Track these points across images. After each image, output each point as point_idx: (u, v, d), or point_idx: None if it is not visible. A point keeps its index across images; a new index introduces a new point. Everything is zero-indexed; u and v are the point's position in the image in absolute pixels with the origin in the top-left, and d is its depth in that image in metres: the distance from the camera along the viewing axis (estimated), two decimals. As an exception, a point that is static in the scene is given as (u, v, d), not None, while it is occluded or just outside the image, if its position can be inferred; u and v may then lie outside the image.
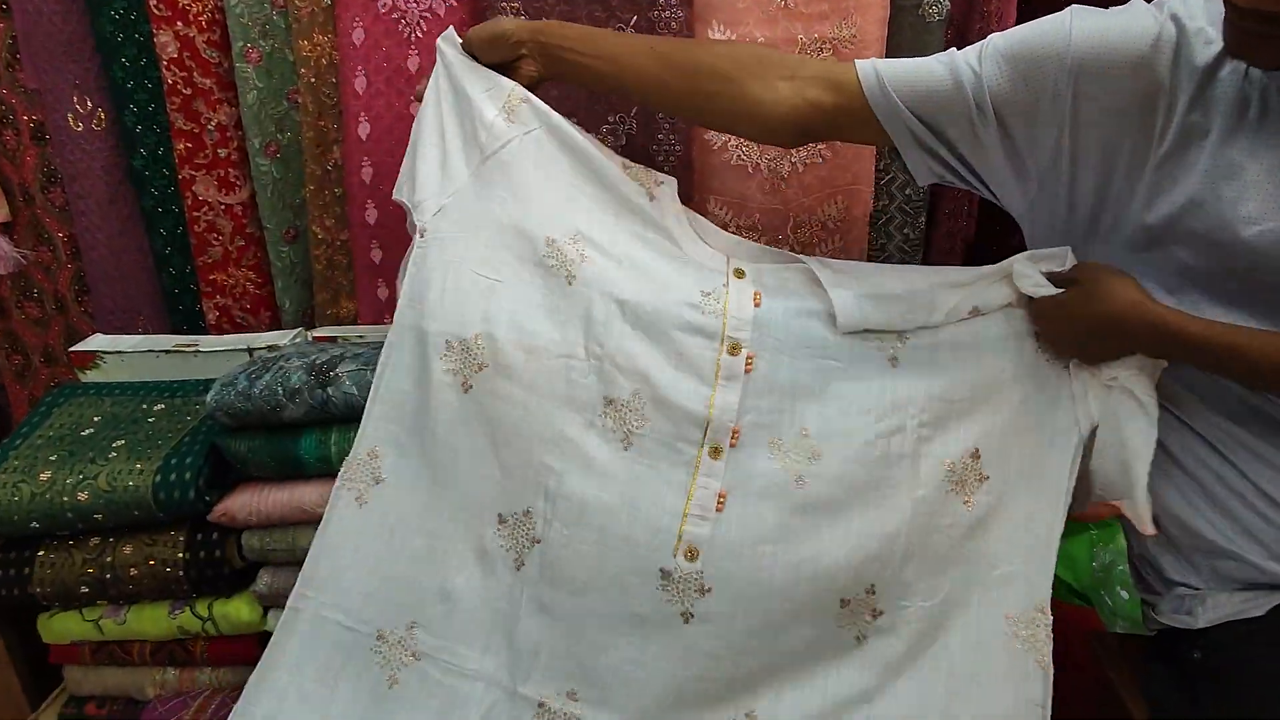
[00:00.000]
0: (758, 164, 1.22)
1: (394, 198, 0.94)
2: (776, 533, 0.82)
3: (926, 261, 1.28)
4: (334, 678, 0.84)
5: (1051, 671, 0.84)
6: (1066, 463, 0.85)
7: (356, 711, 0.84)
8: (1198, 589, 0.84)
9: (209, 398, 0.97)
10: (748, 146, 1.22)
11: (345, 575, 0.86)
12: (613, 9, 1.17)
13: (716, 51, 0.92)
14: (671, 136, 1.20)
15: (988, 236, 1.27)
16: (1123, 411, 0.83)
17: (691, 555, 0.82)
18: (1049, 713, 0.83)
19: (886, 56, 1.14)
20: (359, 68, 1.14)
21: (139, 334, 1.32)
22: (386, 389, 0.88)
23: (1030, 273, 0.84)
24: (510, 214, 0.90)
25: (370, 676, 0.84)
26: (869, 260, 1.25)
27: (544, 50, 0.91)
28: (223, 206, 1.24)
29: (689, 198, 1.23)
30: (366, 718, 0.84)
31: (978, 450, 0.85)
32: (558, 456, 0.85)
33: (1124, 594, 1.39)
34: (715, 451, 0.84)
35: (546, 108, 0.94)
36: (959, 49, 0.85)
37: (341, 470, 0.87)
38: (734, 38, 1.13)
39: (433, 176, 0.91)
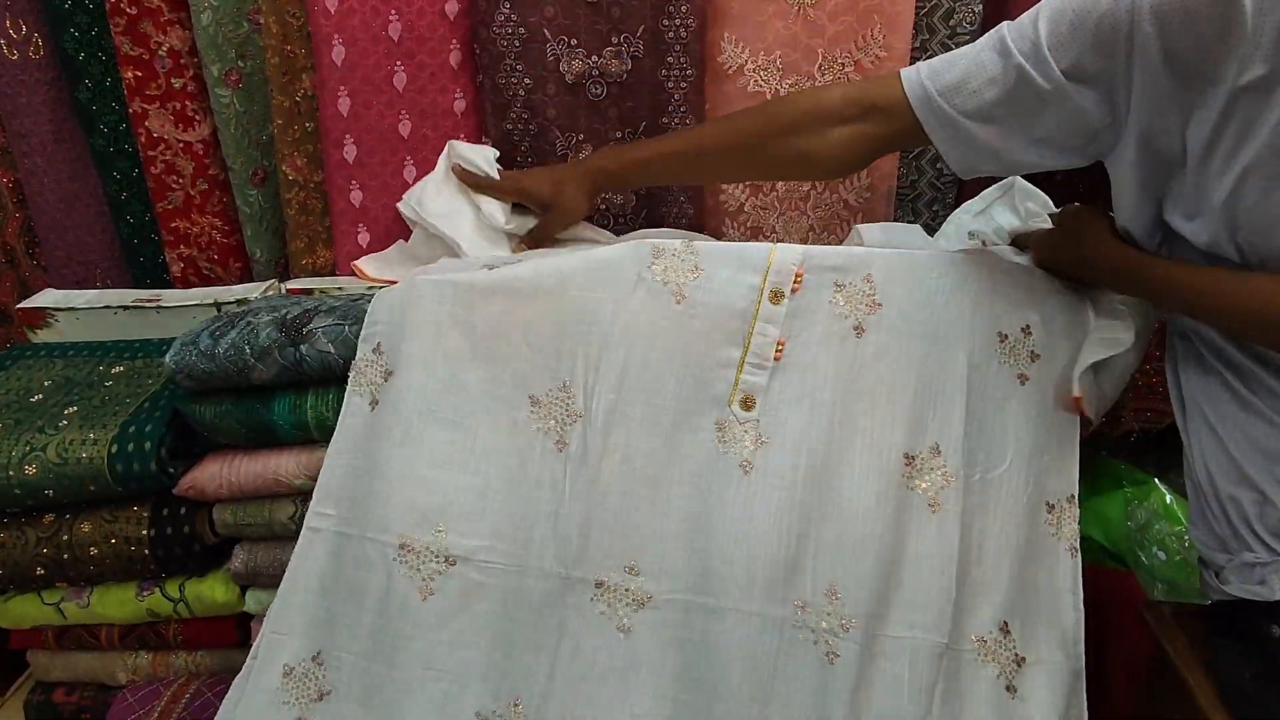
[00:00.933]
0: (777, 91, 1.10)
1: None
2: (835, 382, 0.80)
3: (959, 199, 1.17)
4: (361, 597, 0.80)
5: (1080, 558, 0.84)
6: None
7: (390, 628, 0.79)
8: (1273, 557, 0.76)
9: (168, 358, 0.86)
10: (766, 71, 1.09)
11: (359, 483, 0.82)
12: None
13: (760, 126, 0.90)
14: (683, 58, 1.07)
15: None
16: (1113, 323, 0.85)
17: (748, 404, 0.80)
18: (1080, 598, 0.83)
19: None
20: (328, -18, 1.01)
21: (97, 289, 1.20)
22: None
23: (1038, 210, 0.95)
24: None
25: (399, 590, 0.79)
26: (899, 198, 1.15)
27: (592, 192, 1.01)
28: (181, 144, 1.11)
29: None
30: (402, 634, 0.79)
31: (1029, 326, 0.83)
32: (597, 320, 0.81)
33: (1161, 555, 1.32)
34: (775, 296, 0.81)
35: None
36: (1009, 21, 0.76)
37: (350, 374, 0.84)
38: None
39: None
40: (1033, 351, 0.83)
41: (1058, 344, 0.84)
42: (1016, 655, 0.79)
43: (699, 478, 0.79)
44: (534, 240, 1.04)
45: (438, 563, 0.80)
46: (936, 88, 0.79)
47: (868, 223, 1.16)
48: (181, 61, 1.07)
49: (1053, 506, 0.84)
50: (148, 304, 1.08)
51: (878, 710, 0.73)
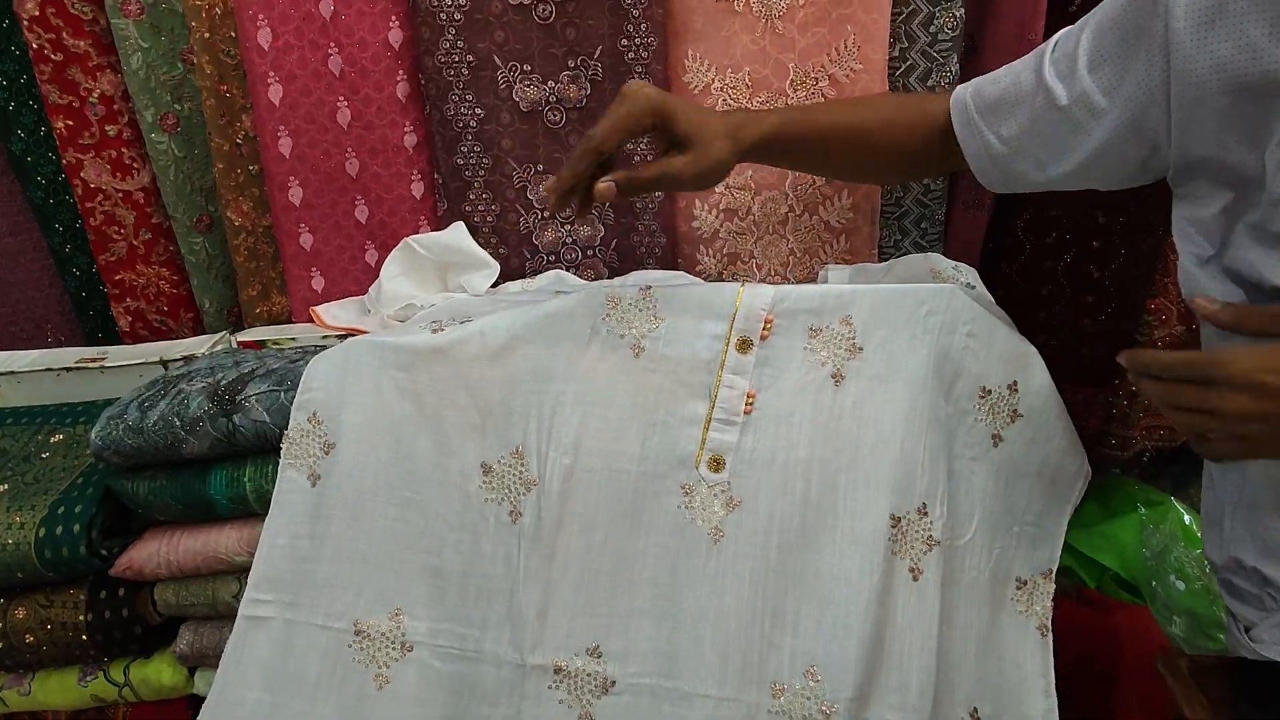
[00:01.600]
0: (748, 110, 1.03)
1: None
2: (812, 437, 0.73)
3: (949, 215, 1.10)
4: (312, 688, 0.74)
5: (1051, 637, 0.79)
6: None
7: None
8: None
9: (93, 435, 0.80)
10: (735, 89, 1.02)
11: (304, 567, 0.76)
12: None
13: (906, 116, 0.81)
14: (646, 79, 1.00)
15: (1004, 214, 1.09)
16: None
17: (717, 465, 0.73)
18: (1052, 682, 0.78)
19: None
20: (260, 16, 0.94)
21: (49, 345, 1.15)
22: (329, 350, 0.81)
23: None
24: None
25: (354, 680, 0.74)
26: (884, 217, 1.08)
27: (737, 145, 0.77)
28: (120, 194, 1.05)
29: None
30: None
31: (1016, 384, 0.77)
32: (550, 379, 0.75)
33: (1180, 584, 1.23)
34: (744, 345, 0.74)
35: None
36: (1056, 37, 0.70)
37: (283, 447, 0.78)
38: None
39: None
40: (1015, 410, 0.76)
41: (1045, 405, 0.76)
42: None
43: (665, 549, 0.73)
44: (653, 184, 0.75)
45: (395, 649, 0.75)
46: (977, 106, 0.73)
47: (852, 245, 1.09)
48: (115, 108, 1.02)
49: (1024, 583, 0.77)
50: (91, 364, 1.02)
51: None
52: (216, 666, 0.86)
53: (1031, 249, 1.11)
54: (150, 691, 0.88)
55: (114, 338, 1.15)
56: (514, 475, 0.75)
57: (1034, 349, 0.79)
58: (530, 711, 0.71)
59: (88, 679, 0.88)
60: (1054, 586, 0.80)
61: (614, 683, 0.71)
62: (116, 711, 0.91)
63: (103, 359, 1.03)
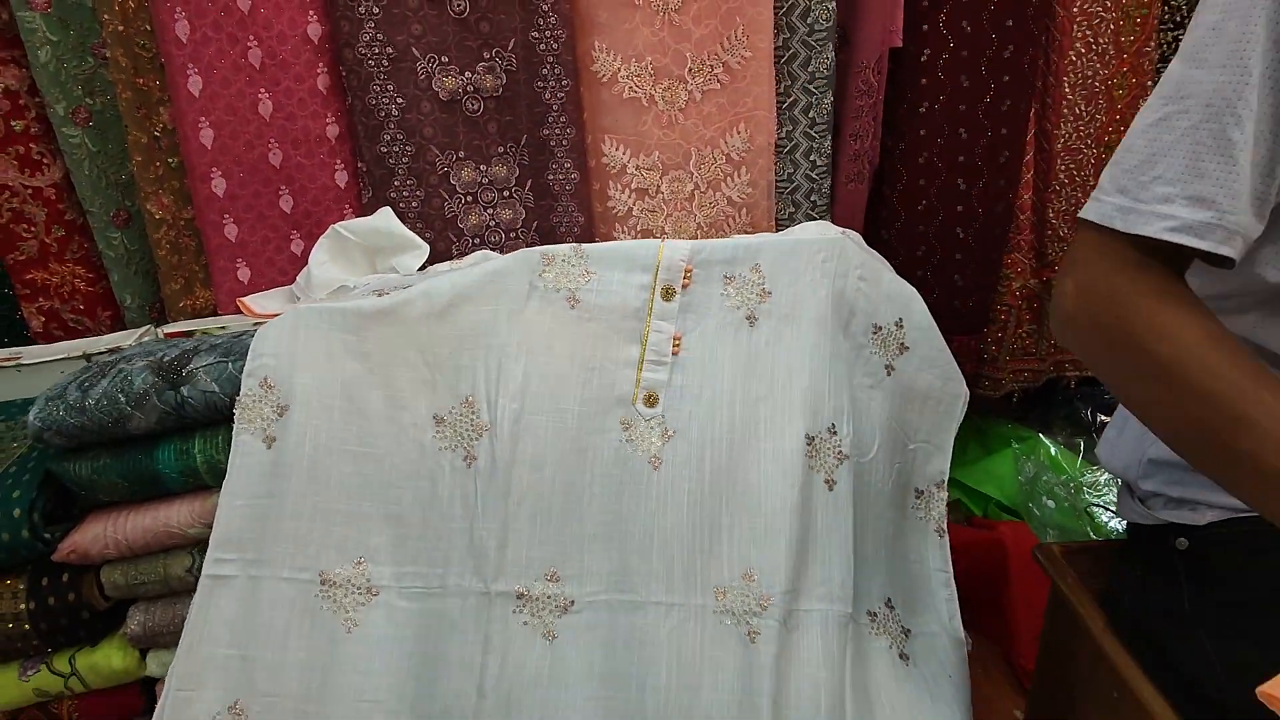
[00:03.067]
0: (651, 96, 1.13)
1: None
2: (733, 372, 0.83)
3: (834, 189, 1.22)
4: (281, 637, 0.77)
5: (948, 539, 0.90)
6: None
7: (318, 665, 0.77)
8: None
9: (31, 416, 0.80)
10: (639, 77, 1.12)
11: (266, 525, 0.79)
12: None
13: None
14: (557, 69, 1.08)
15: (890, 158, 1.23)
16: None
17: (651, 401, 0.82)
18: (951, 576, 0.89)
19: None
20: (178, 9, 0.97)
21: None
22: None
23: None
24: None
25: (324, 625, 0.78)
26: (778, 192, 1.19)
27: None
28: (29, 190, 1.04)
29: (581, 141, 1.13)
30: (331, 669, 0.77)
31: (901, 320, 0.88)
32: (494, 333, 0.82)
33: (1050, 503, 1.42)
34: (667, 293, 0.84)
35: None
36: None
37: (236, 413, 0.81)
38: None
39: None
40: (902, 343, 0.88)
41: (927, 338, 0.89)
42: (903, 627, 0.84)
43: (610, 478, 0.80)
44: None
45: (360, 594, 0.79)
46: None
47: (752, 218, 1.20)
48: (21, 102, 1.01)
49: (921, 492, 0.89)
50: (6, 364, 1.00)
51: (798, 679, 0.76)
52: (170, 647, 0.87)
53: (906, 216, 1.26)
54: (100, 679, 0.87)
55: (22, 339, 1.12)
56: (466, 423, 0.81)
57: (914, 289, 0.91)
58: (498, 635, 0.77)
59: (29, 673, 0.86)
60: (946, 494, 0.92)
61: (573, 602, 0.78)
62: (61, 705, 0.90)
63: (19, 358, 1.01)
